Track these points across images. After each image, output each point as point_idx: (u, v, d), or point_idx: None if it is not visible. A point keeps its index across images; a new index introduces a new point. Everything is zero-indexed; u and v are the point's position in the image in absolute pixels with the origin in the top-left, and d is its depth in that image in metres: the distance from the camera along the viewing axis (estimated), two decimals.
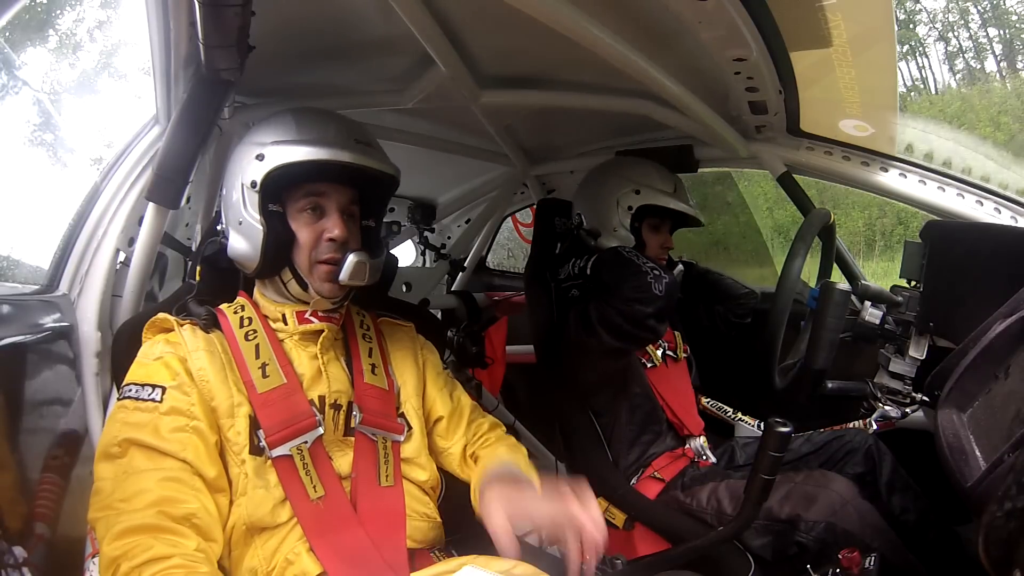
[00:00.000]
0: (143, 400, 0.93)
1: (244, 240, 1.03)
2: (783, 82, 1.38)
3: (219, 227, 1.09)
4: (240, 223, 1.03)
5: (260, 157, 1.00)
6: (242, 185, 1.02)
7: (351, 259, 1.01)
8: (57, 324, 1.15)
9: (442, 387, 1.21)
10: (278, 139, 1.01)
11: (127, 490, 0.87)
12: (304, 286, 1.04)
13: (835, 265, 1.71)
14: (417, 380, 1.17)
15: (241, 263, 1.07)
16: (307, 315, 1.06)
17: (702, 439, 1.63)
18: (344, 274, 1.01)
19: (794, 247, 1.37)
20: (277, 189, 1.02)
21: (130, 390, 0.94)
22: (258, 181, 1.00)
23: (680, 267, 1.76)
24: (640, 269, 1.40)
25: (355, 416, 1.05)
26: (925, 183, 1.59)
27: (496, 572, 0.91)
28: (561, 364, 1.62)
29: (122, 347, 1.09)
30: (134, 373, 0.97)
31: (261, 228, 1.00)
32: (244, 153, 1.03)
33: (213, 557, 0.90)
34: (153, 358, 0.97)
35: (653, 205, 1.61)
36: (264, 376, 0.99)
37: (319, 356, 1.06)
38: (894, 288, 1.60)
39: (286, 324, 1.06)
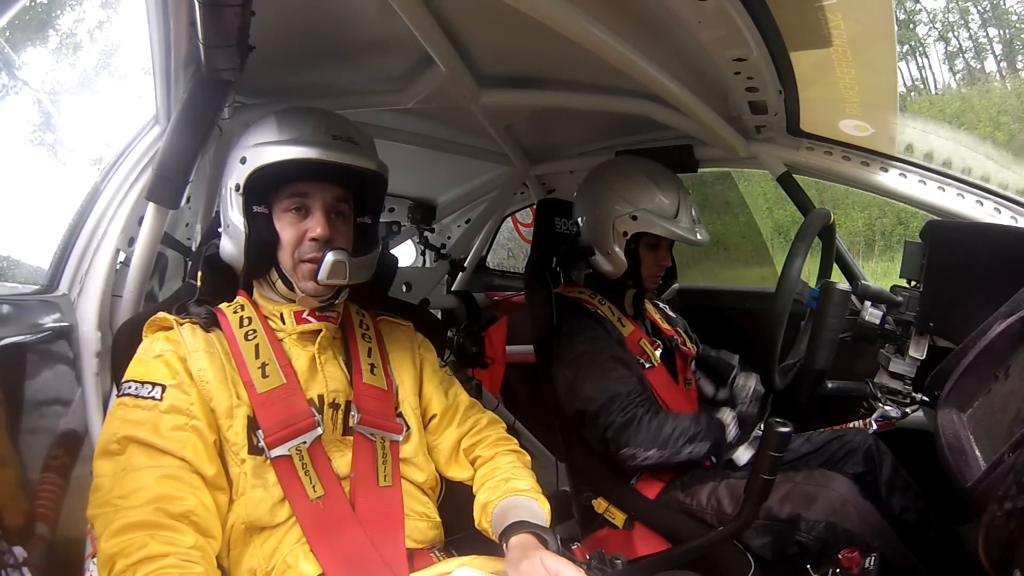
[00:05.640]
0: (143, 398, 0.93)
1: (231, 242, 1.05)
2: (783, 82, 1.38)
3: (219, 228, 1.10)
4: (228, 226, 1.05)
5: (243, 160, 1.02)
6: (229, 189, 1.03)
7: (329, 257, 1.01)
8: (57, 324, 1.15)
9: (438, 384, 1.21)
10: (260, 141, 1.02)
11: (126, 487, 0.87)
12: (290, 285, 1.05)
13: (835, 265, 1.71)
14: (414, 379, 1.18)
15: (231, 264, 1.08)
16: (304, 315, 1.06)
17: None
18: (323, 273, 1.01)
19: (794, 247, 1.37)
20: (263, 191, 1.03)
21: (129, 387, 0.95)
22: (241, 184, 1.01)
23: (675, 286, 1.70)
24: None
25: (353, 416, 1.05)
26: (925, 183, 1.58)
27: (491, 572, 0.91)
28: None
29: (122, 347, 1.09)
30: (133, 370, 0.97)
31: (244, 230, 1.02)
32: (232, 157, 1.05)
33: (211, 553, 0.90)
34: (153, 355, 0.98)
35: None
36: (264, 376, 1.00)
37: (316, 356, 1.06)
38: (894, 288, 1.59)
39: (284, 324, 1.06)
